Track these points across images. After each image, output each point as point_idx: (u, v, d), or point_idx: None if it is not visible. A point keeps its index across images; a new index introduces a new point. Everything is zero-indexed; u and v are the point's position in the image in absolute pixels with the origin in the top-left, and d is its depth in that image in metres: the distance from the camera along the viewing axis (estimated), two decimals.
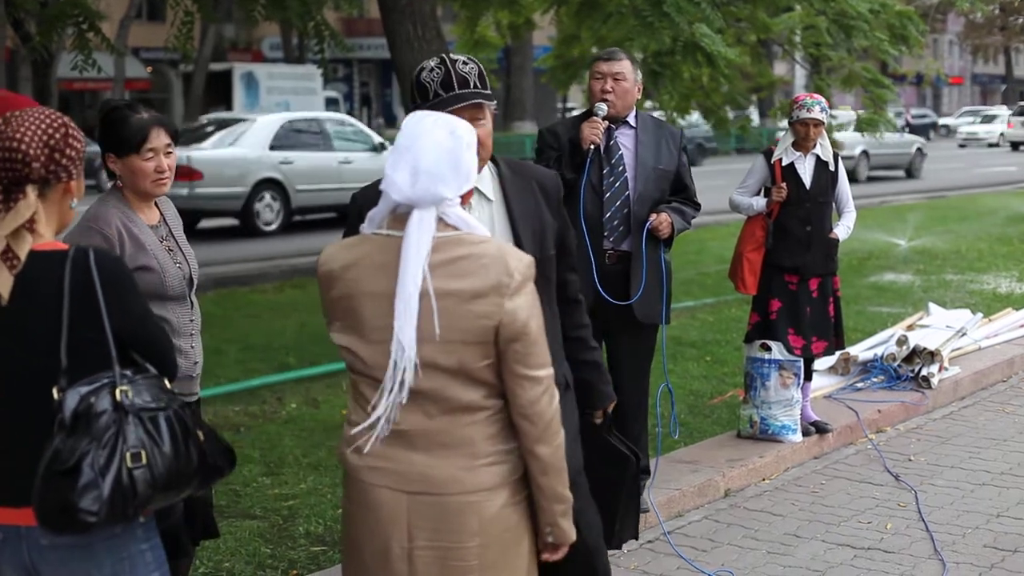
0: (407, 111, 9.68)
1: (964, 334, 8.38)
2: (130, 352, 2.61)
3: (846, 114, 12.55)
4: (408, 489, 2.63)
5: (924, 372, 7.50)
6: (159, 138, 3.56)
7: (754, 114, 34.16)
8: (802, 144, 6.31)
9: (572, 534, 2.77)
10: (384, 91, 48.80)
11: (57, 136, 2.60)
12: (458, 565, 2.64)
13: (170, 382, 2.69)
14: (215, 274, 12.14)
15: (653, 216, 5.04)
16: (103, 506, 2.44)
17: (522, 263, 2.61)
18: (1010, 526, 5.34)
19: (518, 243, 3.05)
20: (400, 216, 2.61)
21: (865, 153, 27.14)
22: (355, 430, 2.68)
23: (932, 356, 7.57)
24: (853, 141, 27.34)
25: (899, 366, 7.58)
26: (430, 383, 2.59)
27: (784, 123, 7.89)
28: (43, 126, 2.59)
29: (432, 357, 2.58)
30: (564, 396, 3.01)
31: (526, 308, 2.59)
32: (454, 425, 2.62)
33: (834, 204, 6.51)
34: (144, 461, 2.49)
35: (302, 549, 4.84)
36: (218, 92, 33.74)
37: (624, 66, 5.10)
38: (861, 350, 7.96)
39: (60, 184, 2.62)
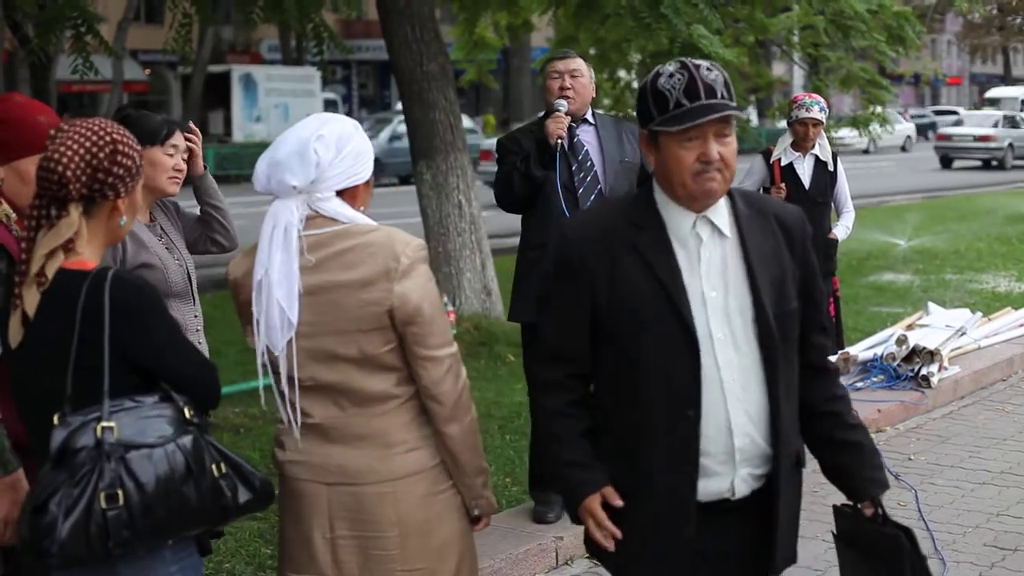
0: (406, 112, 9.60)
1: (963, 333, 8.38)
2: (160, 381, 2.54)
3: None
4: (326, 480, 2.69)
5: (924, 371, 7.50)
6: (179, 138, 3.68)
7: (753, 114, 34.21)
8: (801, 144, 6.32)
9: (494, 503, 2.85)
10: (383, 93, 48.82)
11: (101, 155, 2.52)
12: (379, 554, 2.68)
13: (207, 410, 2.62)
14: (214, 276, 12.10)
15: None
16: (59, 546, 2.38)
17: (409, 247, 2.65)
18: (1010, 525, 5.34)
19: (755, 289, 2.60)
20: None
21: (1011, 145, 32.15)
22: (279, 427, 2.76)
23: (932, 355, 7.56)
24: (1004, 135, 31.90)
25: (899, 366, 7.58)
26: (337, 375, 2.64)
27: (783, 123, 7.90)
28: (87, 144, 2.52)
29: (333, 349, 2.63)
30: (792, 474, 2.71)
31: (417, 290, 2.63)
32: (367, 416, 2.67)
33: (833, 204, 6.51)
34: (120, 502, 2.40)
35: None
36: (216, 94, 33.78)
37: (579, 63, 5.12)
38: (861, 350, 7.95)
39: (107, 202, 2.56)
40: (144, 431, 2.46)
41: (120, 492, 2.40)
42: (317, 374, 2.66)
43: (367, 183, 2.75)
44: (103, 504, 2.39)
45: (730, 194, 2.67)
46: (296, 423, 2.68)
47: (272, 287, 2.60)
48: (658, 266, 2.57)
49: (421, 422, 2.70)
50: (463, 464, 2.73)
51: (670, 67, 2.55)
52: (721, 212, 2.64)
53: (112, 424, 2.43)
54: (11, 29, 15.48)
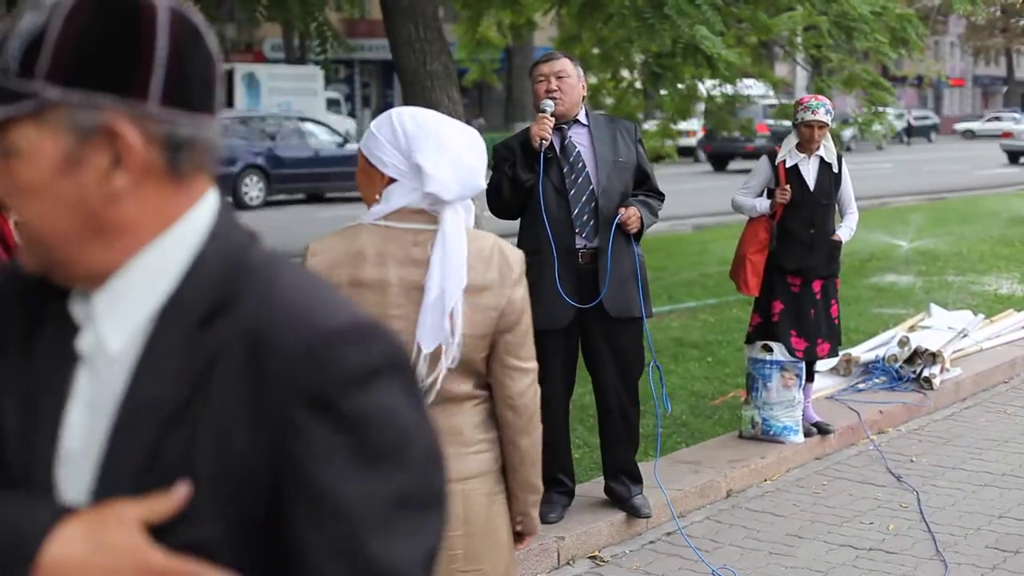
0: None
1: (966, 335, 8.38)
2: None
3: None
4: None
5: (926, 373, 7.50)
6: None
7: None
8: (806, 146, 6.31)
9: (539, 525, 2.84)
10: (386, 92, 48.80)
11: None
12: (444, 554, 2.66)
13: None
14: None
15: (622, 210, 5.00)
16: None
17: (517, 255, 2.71)
18: (1012, 527, 5.34)
19: None
20: (406, 211, 2.62)
21: None
22: None
23: (934, 357, 7.57)
24: None
25: (901, 367, 7.58)
26: (434, 375, 2.64)
27: (786, 123, 7.89)
28: None
29: (439, 351, 2.62)
30: None
31: (522, 300, 2.67)
32: (443, 414, 2.66)
33: (836, 206, 6.51)
34: None
35: None
36: None
37: (565, 64, 5.06)
38: (863, 351, 7.96)
39: None
40: None
41: None
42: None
43: None
44: None
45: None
46: None
47: (448, 298, 2.56)
48: (41, 391, 1.24)
49: (489, 424, 2.72)
50: (521, 477, 2.74)
51: None
52: (133, 303, 1.21)
53: None
54: None
